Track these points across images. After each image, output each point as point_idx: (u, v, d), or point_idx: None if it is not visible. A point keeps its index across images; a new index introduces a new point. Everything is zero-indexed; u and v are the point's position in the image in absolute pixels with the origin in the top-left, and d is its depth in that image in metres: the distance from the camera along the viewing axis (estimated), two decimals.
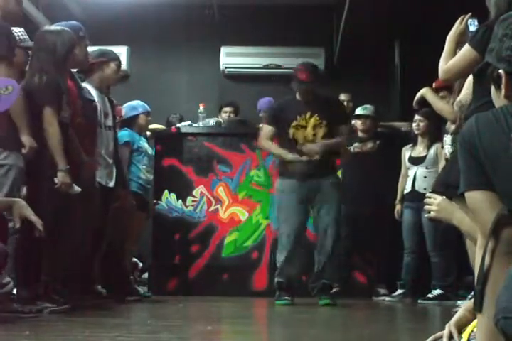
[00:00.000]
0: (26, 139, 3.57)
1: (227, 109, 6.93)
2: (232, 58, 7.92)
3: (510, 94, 1.61)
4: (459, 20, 3.49)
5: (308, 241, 5.43)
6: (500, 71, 1.61)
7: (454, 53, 3.37)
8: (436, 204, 2.24)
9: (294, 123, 5.04)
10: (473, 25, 3.43)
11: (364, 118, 6.24)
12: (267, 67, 7.85)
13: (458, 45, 3.42)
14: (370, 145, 6.18)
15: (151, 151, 5.72)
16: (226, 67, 7.94)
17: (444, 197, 2.27)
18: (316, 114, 5.04)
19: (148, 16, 7.71)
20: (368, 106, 6.31)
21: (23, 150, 3.57)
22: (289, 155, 5.03)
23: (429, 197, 2.29)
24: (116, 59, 4.95)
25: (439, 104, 4.72)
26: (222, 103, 7.16)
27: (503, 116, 1.56)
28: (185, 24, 7.93)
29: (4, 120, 3.53)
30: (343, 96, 6.77)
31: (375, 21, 7.23)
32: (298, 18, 7.86)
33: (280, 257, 5.05)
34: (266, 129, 5.22)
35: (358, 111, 6.28)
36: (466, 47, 3.25)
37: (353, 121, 6.22)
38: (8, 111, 3.50)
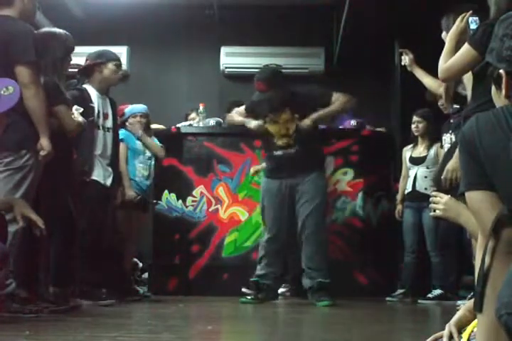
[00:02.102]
0: (46, 144, 3.58)
1: (238, 108, 6.86)
2: (232, 58, 7.92)
3: (511, 94, 1.61)
4: (459, 19, 3.47)
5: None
6: (501, 71, 1.61)
7: (454, 52, 3.36)
8: (443, 203, 2.20)
9: (268, 118, 5.17)
10: (474, 23, 3.41)
11: None
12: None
13: (459, 43, 3.41)
14: None
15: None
16: (226, 67, 7.94)
17: (450, 195, 2.24)
18: (288, 109, 5.10)
19: (148, 16, 7.71)
20: None
21: (41, 153, 3.58)
22: (253, 122, 5.18)
23: (435, 196, 2.26)
24: (114, 59, 4.92)
25: (426, 79, 4.63)
26: (231, 102, 7.03)
27: (504, 116, 1.56)
28: (185, 24, 7.92)
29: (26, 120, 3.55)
30: None
31: (375, 21, 7.22)
32: (298, 18, 7.86)
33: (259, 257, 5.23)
34: (240, 110, 5.46)
35: None
36: (466, 46, 3.24)
37: None
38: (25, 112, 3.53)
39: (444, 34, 3.90)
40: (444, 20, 3.96)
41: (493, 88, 1.68)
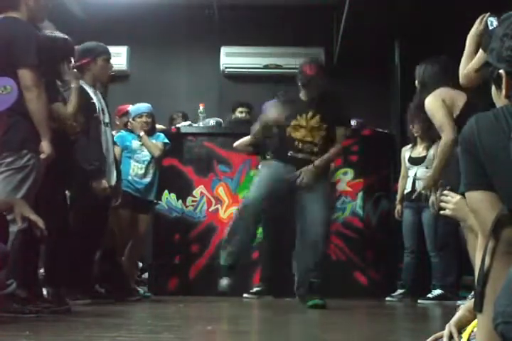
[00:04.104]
0: (46, 146, 3.57)
1: (242, 109, 6.87)
2: (232, 58, 7.92)
3: (511, 94, 1.61)
4: (478, 20, 3.41)
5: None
6: (501, 71, 1.61)
7: (474, 55, 3.30)
8: (453, 202, 2.17)
9: (293, 122, 4.82)
10: (492, 24, 3.34)
11: None
12: (267, 67, 7.85)
13: (479, 46, 3.34)
14: None
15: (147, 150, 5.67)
16: (226, 67, 7.94)
17: (462, 196, 2.21)
18: (319, 116, 4.82)
19: (148, 16, 7.71)
20: None
21: (42, 156, 3.57)
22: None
23: (446, 195, 2.23)
24: (102, 53, 4.82)
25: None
26: (235, 103, 7.03)
27: (504, 116, 1.56)
28: (185, 24, 7.93)
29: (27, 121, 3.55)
30: None
31: (375, 21, 7.22)
32: (298, 18, 7.86)
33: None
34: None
35: None
36: (480, 50, 3.21)
37: None
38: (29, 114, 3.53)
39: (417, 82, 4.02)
40: (417, 68, 4.05)
41: (493, 88, 1.68)
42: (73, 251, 4.50)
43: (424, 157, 5.88)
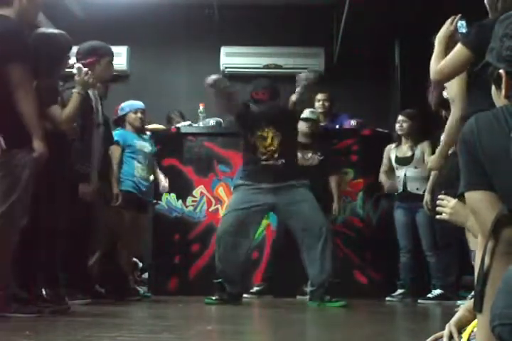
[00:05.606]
0: (37, 145, 3.54)
1: None
2: (232, 58, 7.92)
3: (511, 94, 1.61)
4: (449, 21, 3.49)
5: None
6: (501, 71, 1.61)
7: (445, 54, 3.37)
8: (450, 207, 2.17)
9: (258, 133, 5.09)
10: (462, 27, 3.45)
11: (311, 122, 6.03)
12: (267, 67, 7.85)
13: (448, 46, 3.42)
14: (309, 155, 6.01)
15: (149, 150, 5.65)
16: (226, 67, 7.94)
17: (457, 199, 2.20)
18: (271, 126, 5.08)
19: (148, 16, 7.71)
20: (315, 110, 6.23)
21: (34, 155, 3.53)
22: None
23: (442, 199, 2.23)
24: (107, 54, 4.76)
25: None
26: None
27: (503, 116, 1.56)
28: (185, 24, 7.93)
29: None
30: (319, 96, 6.69)
31: (375, 21, 7.22)
32: (298, 18, 7.86)
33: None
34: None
35: (308, 114, 5.98)
36: (459, 47, 3.25)
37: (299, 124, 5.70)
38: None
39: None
40: None
41: (493, 88, 1.68)
42: (65, 251, 4.49)
43: (411, 156, 5.88)
